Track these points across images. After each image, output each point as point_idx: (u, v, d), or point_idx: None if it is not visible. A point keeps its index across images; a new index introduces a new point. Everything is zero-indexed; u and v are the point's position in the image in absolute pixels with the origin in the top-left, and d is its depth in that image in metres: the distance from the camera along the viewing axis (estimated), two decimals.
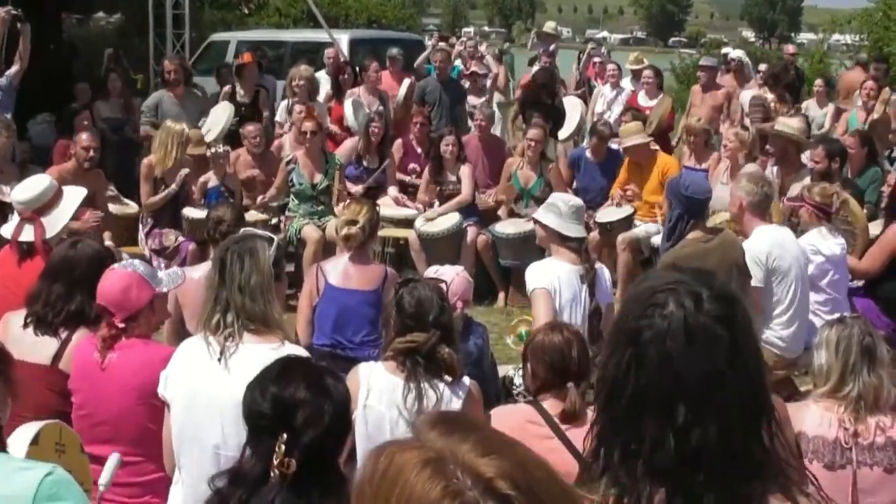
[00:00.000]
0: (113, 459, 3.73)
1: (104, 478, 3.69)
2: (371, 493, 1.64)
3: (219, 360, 4.40)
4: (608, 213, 10.89)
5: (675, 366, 2.20)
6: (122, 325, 4.82)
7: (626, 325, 2.30)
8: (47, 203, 6.65)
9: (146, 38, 17.03)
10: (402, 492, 1.58)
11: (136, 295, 4.91)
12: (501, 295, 10.89)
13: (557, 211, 6.47)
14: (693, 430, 2.18)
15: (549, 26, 17.27)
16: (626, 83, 15.89)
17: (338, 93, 13.43)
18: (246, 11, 34.33)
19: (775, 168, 10.38)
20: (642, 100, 14.18)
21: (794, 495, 2.25)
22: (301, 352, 4.46)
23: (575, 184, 11.69)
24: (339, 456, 3.30)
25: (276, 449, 3.08)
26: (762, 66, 15.94)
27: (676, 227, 7.15)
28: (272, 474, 3.08)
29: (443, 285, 5.13)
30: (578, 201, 6.80)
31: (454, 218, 10.92)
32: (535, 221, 6.72)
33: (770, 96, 13.66)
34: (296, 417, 3.14)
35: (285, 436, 3.10)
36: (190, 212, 9.97)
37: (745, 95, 14.01)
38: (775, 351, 7.06)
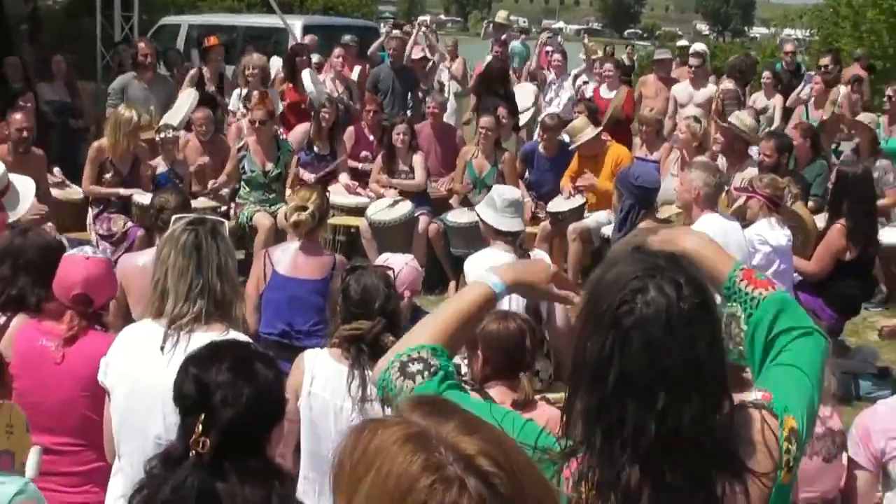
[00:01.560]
0: (36, 452, 3.69)
1: (29, 470, 3.65)
2: (350, 468, 1.63)
3: (161, 349, 4.36)
4: (559, 204, 10.89)
5: (659, 352, 2.26)
6: (99, 313, 4.81)
7: (606, 309, 2.33)
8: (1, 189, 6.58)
9: (93, 19, 16.74)
10: (382, 465, 1.58)
11: (114, 282, 4.91)
12: (452, 284, 10.84)
13: (493, 204, 6.47)
14: (671, 414, 2.25)
15: (502, 16, 17.24)
16: (578, 72, 15.89)
17: (292, 77, 13.30)
18: None
19: (720, 157, 10.45)
20: (604, 92, 14.21)
21: (747, 480, 2.31)
22: (245, 339, 4.40)
23: (528, 176, 11.65)
24: (264, 442, 3.25)
25: (195, 430, 3.07)
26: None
27: (628, 217, 7.19)
28: (190, 455, 3.07)
29: (390, 273, 5.10)
30: (515, 195, 6.74)
31: (406, 206, 10.88)
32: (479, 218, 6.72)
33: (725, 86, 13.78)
34: (214, 398, 3.13)
35: (203, 416, 3.09)
36: (139, 198, 9.80)
37: (706, 92, 14.10)
38: None
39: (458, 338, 2.73)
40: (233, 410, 3.12)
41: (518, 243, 6.54)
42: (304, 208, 6.75)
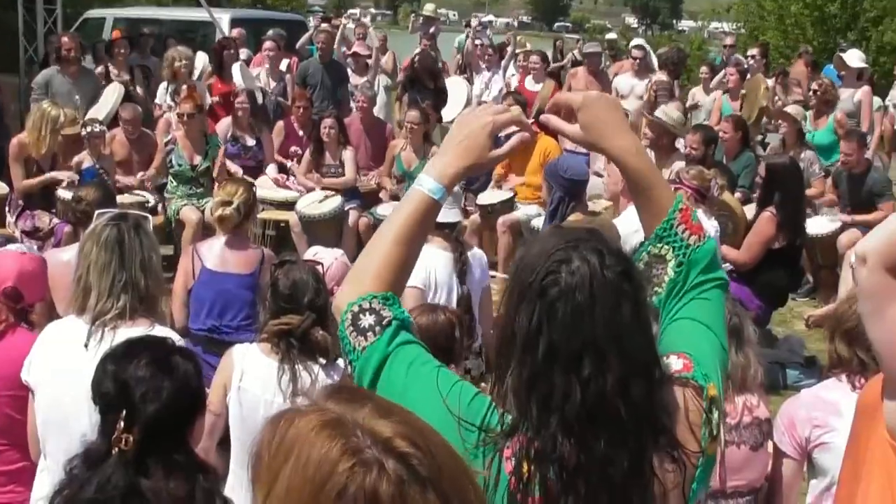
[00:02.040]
0: None
1: None
2: (268, 458, 1.63)
3: (85, 345, 4.32)
4: (489, 196, 10.92)
5: (584, 319, 2.28)
6: (27, 310, 4.74)
7: (531, 281, 2.34)
8: None
9: (15, 13, 16.46)
10: (300, 453, 1.58)
11: (45, 280, 4.85)
12: None
13: None
14: (597, 380, 2.27)
15: (429, 9, 17.21)
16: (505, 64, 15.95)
17: (220, 69, 13.20)
18: None
19: (649, 150, 10.52)
20: (529, 84, 14.30)
21: (681, 457, 2.34)
22: (171, 335, 4.34)
23: None
24: (186, 436, 3.26)
25: (117, 427, 3.06)
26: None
27: (558, 209, 7.19)
28: (113, 452, 3.05)
29: (320, 268, 5.09)
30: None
31: (336, 201, 10.90)
32: None
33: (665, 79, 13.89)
34: (134, 394, 3.13)
35: (124, 412, 3.08)
36: (64, 193, 9.64)
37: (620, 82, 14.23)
38: None
39: (406, 261, 2.63)
40: (154, 405, 3.12)
41: (455, 235, 6.53)
42: (229, 203, 6.76)
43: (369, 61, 14.65)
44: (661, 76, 14.16)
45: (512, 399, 2.37)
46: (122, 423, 3.06)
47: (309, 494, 1.56)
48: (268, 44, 14.20)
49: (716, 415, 2.40)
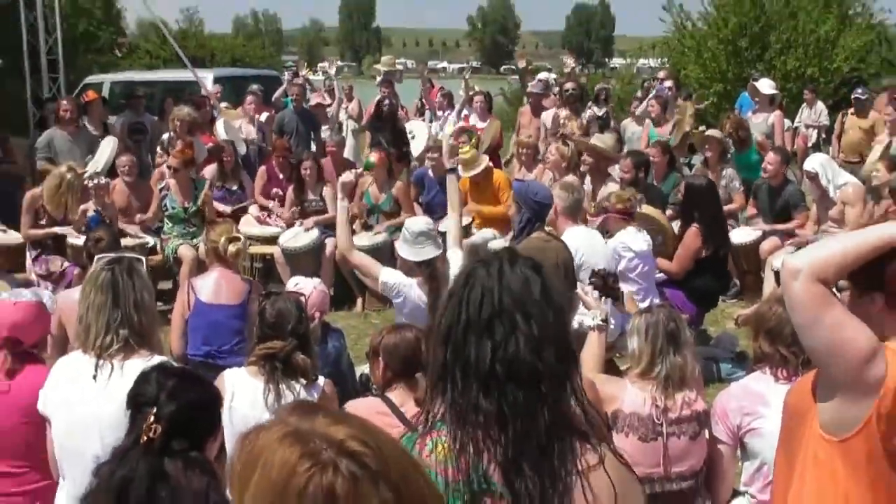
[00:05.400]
0: None
1: None
2: (240, 468, 1.66)
3: (94, 377, 4.31)
4: (428, 223, 10.96)
5: (493, 295, 2.44)
6: (31, 351, 4.71)
7: (455, 283, 2.54)
8: None
9: (23, 81, 16.53)
10: (266, 461, 1.62)
11: (44, 321, 4.82)
12: (359, 301, 10.87)
13: (406, 238, 6.46)
14: (509, 342, 2.39)
15: (386, 61, 17.19)
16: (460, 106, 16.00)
17: (202, 124, 13.19)
18: (118, 55, 33.70)
19: (589, 178, 10.57)
20: (474, 120, 14.33)
21: (596, 444, 2.42)
22: (167, 361, 4.42)
23: (421, 198, 11.66)
24: (204, 440, 3.30)
25: (147, 419, 3.13)
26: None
27: (525, 228, 7.25)
28: (141, 440, 3.11)
29: (302, 298, 5.08)
30: (422, 226, 6.61)
31: (314, 234, 10.93)
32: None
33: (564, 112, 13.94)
34: (162, 395, 3.20)
35: (154, 408, 3.15)
36: (73, 239, 9.77)
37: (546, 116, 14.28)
38: None
39: None
40: (177, 404, 3.19)
41: (429, 271, 6.44)
42: (237, 239, 6.87)
43: (329, 109, 14.75)
44: (594, 109, 14.21)
45: (440, 385, 2.46)
46: (151, 417, 3.13)
47: (274, 495, 1.59)
48: (248, 98, 14.30)
49: None
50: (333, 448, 1.60)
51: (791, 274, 2.87)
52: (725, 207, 10.22)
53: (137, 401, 3.26)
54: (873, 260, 2.89)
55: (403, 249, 6.49)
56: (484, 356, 2.39)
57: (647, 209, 8.90)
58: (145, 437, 3.10)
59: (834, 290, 2.95)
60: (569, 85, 14.78)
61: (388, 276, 6.43)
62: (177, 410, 3.16)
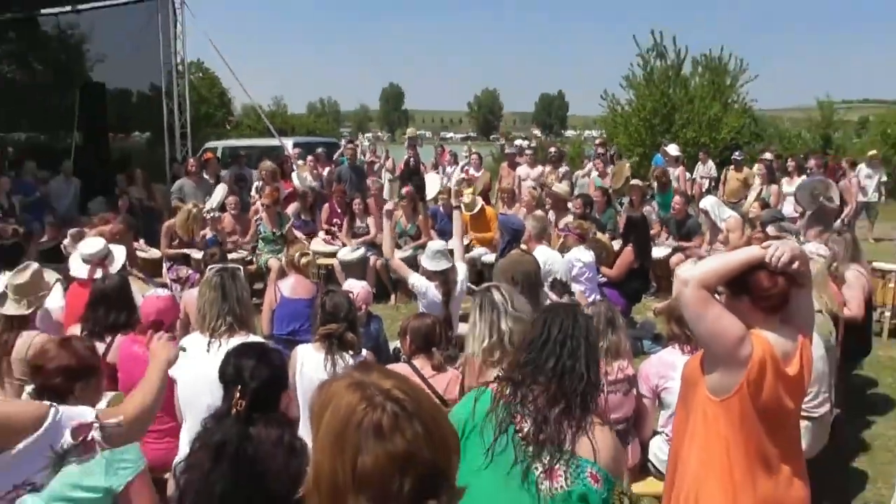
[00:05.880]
0: (106, 397, 3.60)
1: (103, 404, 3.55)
2: (318, 408, 1.65)
3: (207, 350, 4.27)
4: (441, 244, 10.91)
5: (567, 325, 2.76)
6: (169, 332, 4.70)
7: (540, 315, 2.87)
8: (105, 255, 6.42)
9: (163, 147, 16.61)
10: (335, 403, 1.61)
11: (176, 310, 4.86)
12: (392, 296, 10.80)
13: (428, 255, 6.40)
14: (567, 361, 2.67)
15: (410, 132, 17.16)
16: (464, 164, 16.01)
17: (282, 173, 13.30)
18: (228, 128, 33.86)
19: (551, 211, 10.52)
20: (473, 172, 14.36)
21: (601, 416, 2.71)
22: (260, 340, 4.36)
23: (435, 227, 11.61)
24: (278, 402, 3.21)
25: (235, 396, 3.07)
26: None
27: (506, 247, 7.25)
28: (232, 412, 3.06)
29: (351, 295, 5.02)
30: (440, 246, 6.54)
31: (360, 251, 10.92)
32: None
33: (548, 168, 13.93)
34: (245, 375, 3.12)
35: (240, 386, 3.08)
36: (196, 254, 9.87)
37: (524, 170, 14.26)
38: None
39: None
40: (257, 382, 3.11)
41: (444, 278, 6.35)
42: (307, 254, 6.89)
43: (376, 165, 14.76)
44: (549, 167, 14.21)
45: (518, 369, 2.74)
46: (237, 394, 3.06)
47: (340, 427, 1.58)
48: (315, 157, 14.34)
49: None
50: (383, 394, 1.59)
51: (682, 282, 2.87)
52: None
53: (226, 379, 3.18)
54: (741, 272, 2.89)
55: (426, 262, 6.41)
56: (552, 359, 2.66)
57: (599, 236, 8.88)
58: (234, 409, 3.04)
59: (716, 294, 2.93)
60: (552, 149, 14.97)
61: (416, 280, 6.36)
62: (256, 388, 3.08)
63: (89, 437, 1.90)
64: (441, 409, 1.71)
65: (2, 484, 1.80)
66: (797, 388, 2.90)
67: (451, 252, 6.65)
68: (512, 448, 2.48)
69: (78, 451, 1.88)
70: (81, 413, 1.93)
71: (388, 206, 7.46)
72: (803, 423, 4.68)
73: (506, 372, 2.75)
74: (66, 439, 1.83)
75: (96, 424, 1.92)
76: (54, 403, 1.90)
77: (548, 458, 2.41)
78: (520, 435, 2.48)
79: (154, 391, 3.15)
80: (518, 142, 18.32)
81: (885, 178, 16.46)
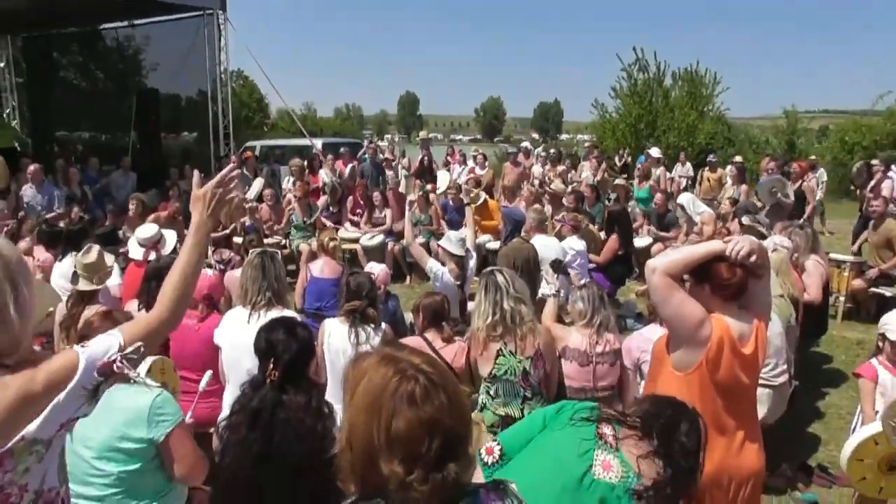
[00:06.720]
0: (206, 376, 3.61)
1: (204, 382, 3.56)
2: (352, 379, 1.65)
3: (248, 321, 4.29)
4: (462, 233, 10.88)
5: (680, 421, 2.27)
6: (217, 303, 4.77)
7: (662, 421, 2.28)
8: (158, 239, 6.45)
9: (209, 145, 16.60)
10: (370, 374, 1.62)
11: (222, 287, 4.92)
12: (408, 278, 10.81)
13: (448, 241, 6.35)
14: (683, 432, 2.23)
15: (423, 134, 17.09)
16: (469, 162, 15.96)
17: (311, 169, 13.22)
18: (265, 129, 33.81)
19: (549, 206, 10.50)
20: (478, 170, 14.32)
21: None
22: (293, 314, 4.34)
23: (446, 217, 11.61)
24: (307, 370, 3.21)
25: (268, 367, 3.07)
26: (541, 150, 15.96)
27: (509, 236, 7.23)
28: (266, 382, 3.06)
29: (372, 275, 5.02)
30: (460, 235, 6.49)
31: (380, 238, 10.91)
32: (440, 247, 6.46)
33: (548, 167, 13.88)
34: (277, 349, 3.12)
35: (273, 359, 3.09)
36: (237, 239, 9.91)
37: (538, 169, 14.19)
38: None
39: None
40: (288, 355, 3.10)
41: (461, 262, 6.28)
42: (334, 239, 6.88)
43: (394, 163, 14.74)
44: (548, 166, 14.14)
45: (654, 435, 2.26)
46: (271, 366, 3.06)
47: (375, 394, 1.59)
48: (341, 155, 14.34)
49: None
50: (413, 368, 1.61)
51: (651, 271, 2.86)
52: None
53: (260, 352, 3.17)
54: (703, 263, 2.87)
55: (449, 245, 6.32)
56: (670, 428, 2.25)
57: (589, 228, 8.86)
58: (269, 379, 3.05)
59: (683, 281, 2.92)
60: (552, 150, 14.92)
61: (432, 264, 6.31)
62: (287, 360, 3.08)
63: (114, 369, 1.90)
64: (459, 384, 1.72)
65: (50, 429, 1.83)
66: (752, 366, 2.89)
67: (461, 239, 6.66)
68: (590, 432, 2.29)
69: (108, 382, 1.89)
70: (105, 346, 1.93)
71: (411, 197, 7.48)
72: (764, 391, 4.70)
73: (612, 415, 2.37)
74: (95, 377, 1.84)
75: (119, 357, 1.92)
76: (78, 347, 1.91)
77: (611, 456, 2.27)
78: (598, 432, 2.32)
79: (190, 272, 2.36)
80: (524, 143, 18.26)
81: (825, 178, 16.44)
